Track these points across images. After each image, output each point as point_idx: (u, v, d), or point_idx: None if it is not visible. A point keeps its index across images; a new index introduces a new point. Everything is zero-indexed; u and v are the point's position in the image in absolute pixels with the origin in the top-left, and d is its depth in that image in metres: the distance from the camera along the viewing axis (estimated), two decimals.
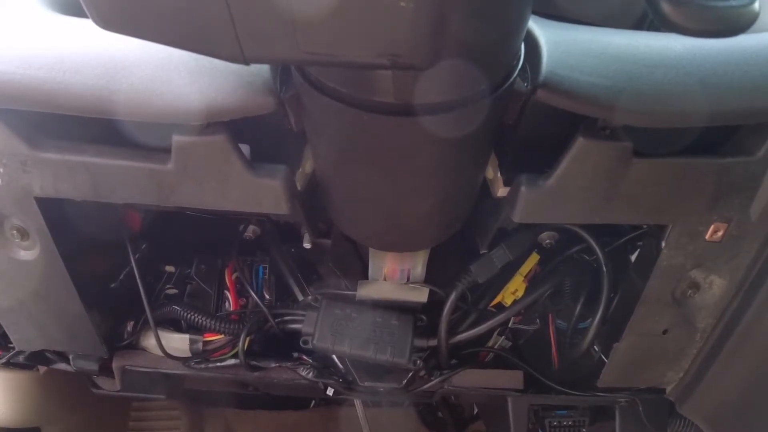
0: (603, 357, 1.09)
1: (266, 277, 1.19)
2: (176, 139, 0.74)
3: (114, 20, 0.50)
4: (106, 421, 1.68)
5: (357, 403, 1.42)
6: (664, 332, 1.00)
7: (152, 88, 0.68)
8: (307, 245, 1.07)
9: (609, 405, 1.22)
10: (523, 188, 0.78)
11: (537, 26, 0.73)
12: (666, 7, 0.47)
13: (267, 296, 1.18)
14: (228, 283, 1.17)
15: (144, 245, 1.12)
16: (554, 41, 0.71)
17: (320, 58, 0.49)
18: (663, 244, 0.89)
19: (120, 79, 0.68)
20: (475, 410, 1.91)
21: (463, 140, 0.67)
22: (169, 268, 1.21)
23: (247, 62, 0.51)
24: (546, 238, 1.08)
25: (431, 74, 0.53)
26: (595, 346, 1.11)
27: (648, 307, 0.97)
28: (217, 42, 0.49)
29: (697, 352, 1.04)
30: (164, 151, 0.76)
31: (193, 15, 0.47)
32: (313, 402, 1.95)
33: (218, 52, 0.50)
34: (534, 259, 1.13)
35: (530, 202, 0.79)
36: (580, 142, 0.73)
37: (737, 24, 0.48)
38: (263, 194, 0.79)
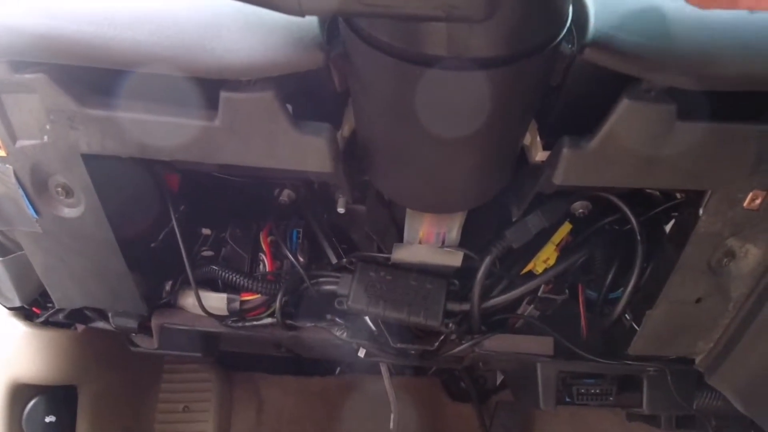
0: (634, 325, 1.09)
1: (300, 241, 1.20)
2: (224, 95, 0.75)
3: None
4: (139, 381, 1.72)
5: (383, 369, 1.43)
6: (698, 300, 1.01)
7: (202, 44, 0.69)
8: (341, 210, 1.08)
9: (637, 374, 1.22)
10: (565, 150, 0.78)
11: None
12: None
13: (301, 259, 1.19)
14: (264, 246, 1.19)
15: (183, 207, 1.14)
16: (601, 2, 0.70)
17: (377, 9, 0.49)
18: (701, 210, 0.89)
19: (170, 35, 0.69)
20: (498, 381, 1.92)
21: (510, 97, 0.67)
22: (206, 231, 1.23)
23: (303, 14, 0.51)
24: (579, 207, 1.08)
25: (484, 28, 0.54)
26: (626, 314, 1.12)
27: (683, 275, 0.97)
28: None
29: (729, 322, 1.04)
30: (211, 108, 0.77)
31: None
32: (339, 368, 1.98)
33: (276, 3, 0.51)
34: (566, 228, 1.13)
35: (572, 164, 0.80)
36: (624, 104, 0.73)
37: None
38: (308, 152, 0.80)
